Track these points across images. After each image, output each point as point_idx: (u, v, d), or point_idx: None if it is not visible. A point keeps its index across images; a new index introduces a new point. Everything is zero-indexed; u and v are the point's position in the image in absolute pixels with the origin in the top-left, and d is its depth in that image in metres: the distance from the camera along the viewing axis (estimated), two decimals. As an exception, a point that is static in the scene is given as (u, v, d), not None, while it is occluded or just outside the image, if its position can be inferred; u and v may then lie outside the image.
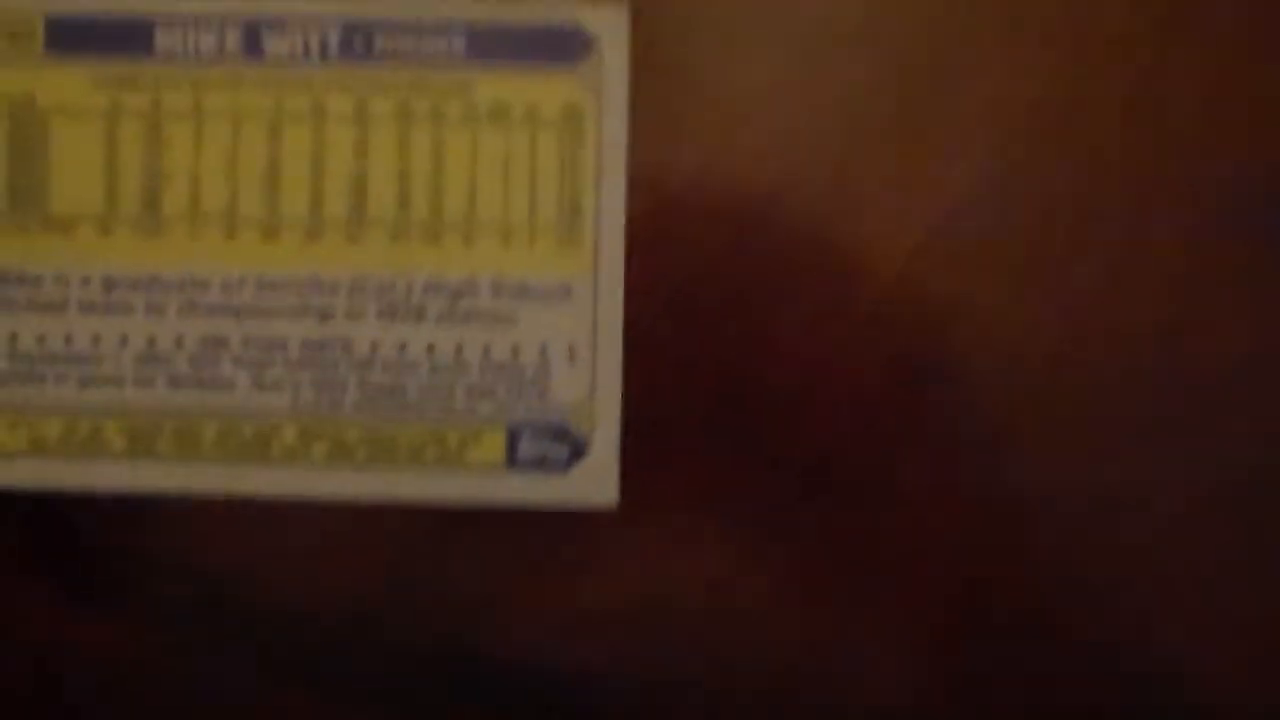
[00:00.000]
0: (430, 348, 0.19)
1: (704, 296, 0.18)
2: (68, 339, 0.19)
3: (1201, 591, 0.19)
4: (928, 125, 0.18)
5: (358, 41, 0.18)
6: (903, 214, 0.18)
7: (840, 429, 0.19)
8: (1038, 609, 0.19)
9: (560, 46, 0.18)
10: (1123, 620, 0.19)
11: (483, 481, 0.19)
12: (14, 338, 0.19)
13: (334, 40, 0.18)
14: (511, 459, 0.19)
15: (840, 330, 0.18)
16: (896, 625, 0.19)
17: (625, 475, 0.19)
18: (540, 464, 0.19)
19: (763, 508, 0.19)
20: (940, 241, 0.18)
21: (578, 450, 0.18)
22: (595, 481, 0.18)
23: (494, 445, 0.19)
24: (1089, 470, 0.19)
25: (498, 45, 0.18)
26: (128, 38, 0.19)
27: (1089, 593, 0.19)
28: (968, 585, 0.19)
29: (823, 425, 0.19)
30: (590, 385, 0.18)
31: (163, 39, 0.19)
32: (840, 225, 0.18)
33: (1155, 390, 0.18)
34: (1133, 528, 0.19)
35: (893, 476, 0.19)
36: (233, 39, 0.19)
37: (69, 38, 0.19)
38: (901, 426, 0.19)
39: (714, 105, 0.18)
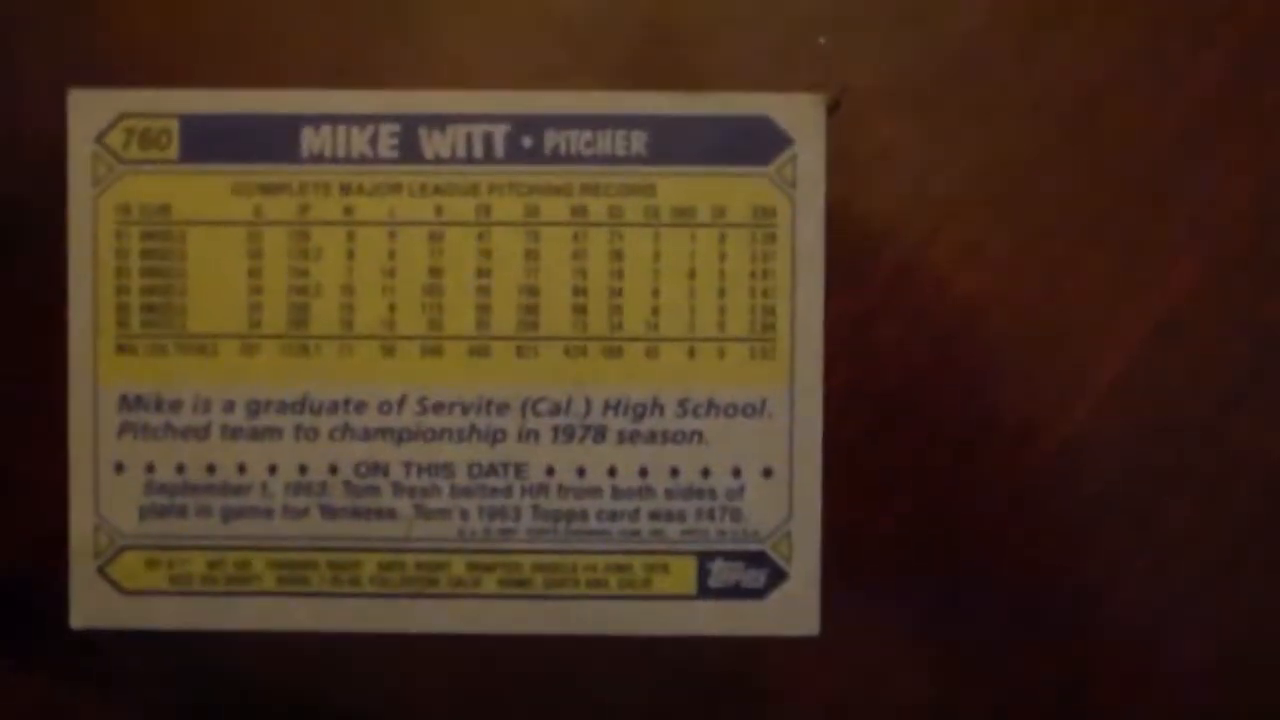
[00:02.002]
0: (612, 470, 0.17)
1: (906, 410, 0.17)
2: (210, 468, 0.17)
3: None
4: (1141, 230, 0.17)
5: (526, 140, 0.17)
6: (1117, 321, 0.17)
7: (1051, 553, 0.17)
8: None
9: (750, 142, 0.17)
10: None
11: (672, 611, 0.17)
12: (151, 467, 0.17)
13: (500, 139, 0.17)
14: (703, 587, 0.17)
15: (1052, 446, 0.17)
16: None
17: (824, 600, 0.17)
18: (735, 592, 0.17)
19: (968, 635, 0.17)
20: (1155, 350, 0.17)
21: (775, 577, 0.17)
22: (795, 609, 0.17)
23: (684, 573, 0.17)
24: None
25: (681, 142, 0.17)
26: (271, 140, 0.17)
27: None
28: (1188, 713, 0.18)
29: (1033, 548, 0.17)
30: (788, 507, 0.17)
31: (310, 140, 0.17)
32: (1051, 334, 0.17)
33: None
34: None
35: (1104, 603, 0.17)
36: (387, 139, 0.17)
37: (207, 142, 0.17)
38: (1122, 544, 0.17)
39: (916, 204, 0.17)
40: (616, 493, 0.17)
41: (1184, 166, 0.17)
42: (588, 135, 0.17)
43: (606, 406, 0.17)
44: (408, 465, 0.17)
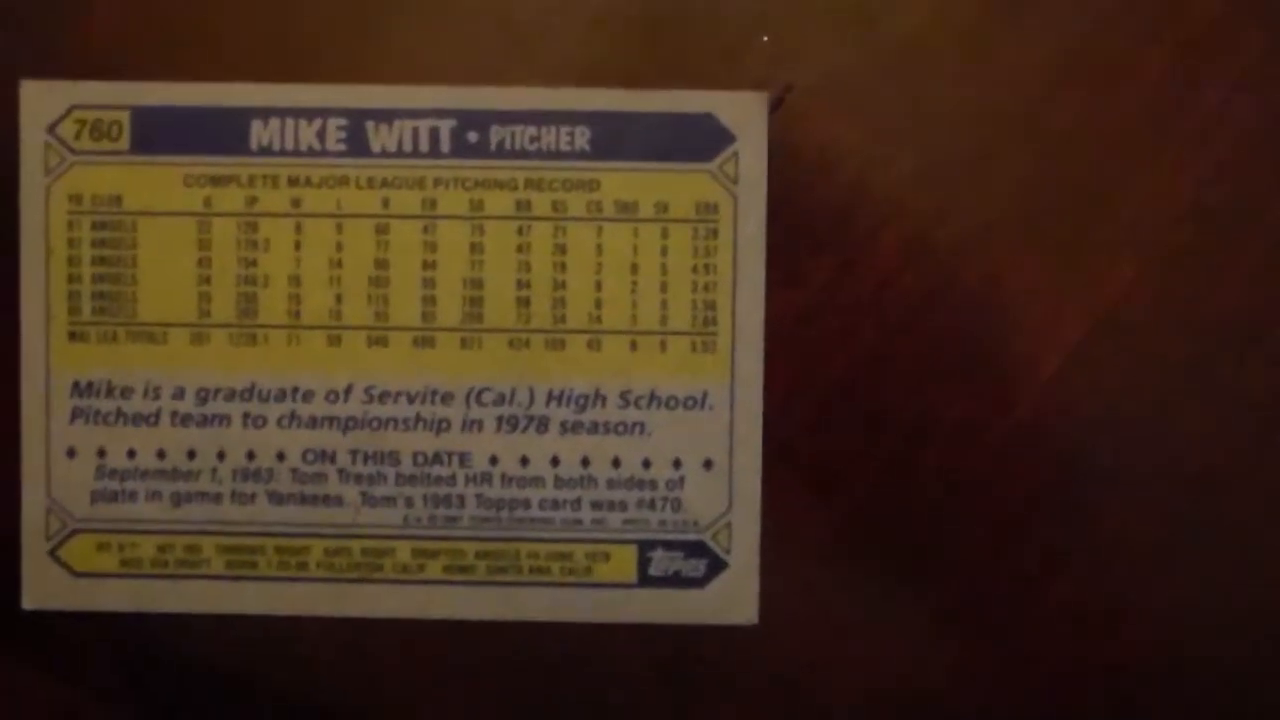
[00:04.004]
0: (554, 460, 0.17)
1: (845, 404, 0.17)
2: (160, 453, 0.17)
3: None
4: (1081, 229, 0.17)
5: (472, 135, 0.17)
6: (1054, 321, 0.17)
7: (989, 546, 0.18)
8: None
9: (693, 139, 0.17)
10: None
11: (613, 599, 0.18)
12: (103, 452, 0.17)
13: (446, 134, 0.17)
14: (643, 575, 0.18)
15: (989, 440, 0.17)
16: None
17: (763, 590, 0.17)
18: (675, 580, 0.17)
19: (906, 626, 0.18)
20: (1093, 348, 0.17)
21: (715, 566, 0.17)
22: (734, 598, 0.17)
23: (624, 562, 0.18)
24: (1248, 588, 0.18)
25: (625, 138, 0.17)
26: (221, 133, 0.17)
27: (1256, 705, 0.18)
28: (1126, 700, 0.18)
29: (972, 540, 0.18)
30: (728, 498, 0.17)
31: (259, 133, 0.17)
32: (991, 331, 0.17)
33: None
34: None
35: (1042, 594, 0.18)
36: (335, 133, 0.17)
37: (158, 134, 0.17)
38: (1059, 537, 0.18)
39: (858, 202, 0.17)
40: (559, 482, 0.17)
41: (1124, 166, 0.17)
42: (532, 131, 0.17)
43: (549, 397, 0.17)
44: (354, 453, 0.17)
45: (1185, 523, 0.18)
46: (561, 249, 0.17)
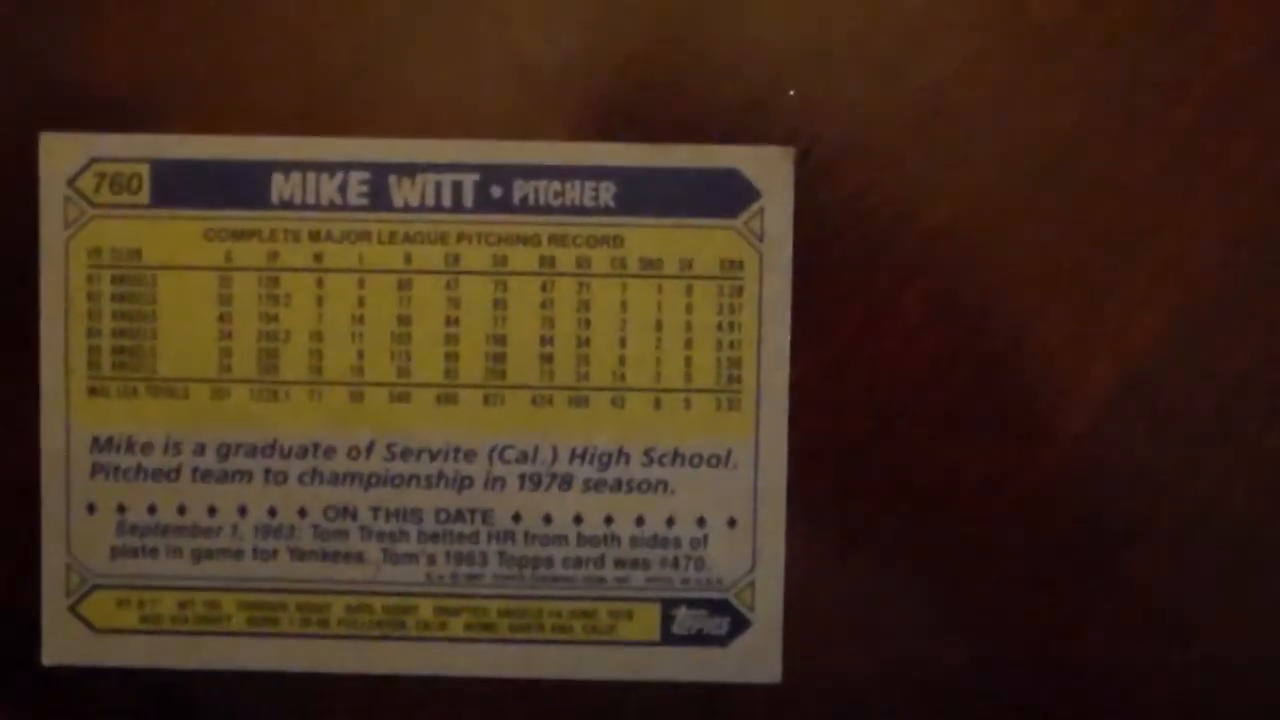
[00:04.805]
0: (578, 518, 0.17)
1: (870, 462, 0.17)
2: (181, 509, 0.17)
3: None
4: (1109, 282, 0.17)
5: (495, 189, 0.17)
6: (1083, 372, 0.17)
7: (1015, 603, 0.17)
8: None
9: (718, 195, 0.17)
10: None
11: (636, 657, 0.17)
12: (123, 508, 0.17)
13: (469, 188, 0.17)
14: (666, 634, 0.17)
15: (1018, 496, 0.17)
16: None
17: (786, 649, 0.17)
18: (698, 639, 0.17)
19: (929, 686, 0.18)
20: (1121, 402, 0.17)
21: (738, 625, 0.17)
22: (757, 657, 0.17)
23: (648, 620, 0.17)
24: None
25: (649, 193, 0.17)
26: (242, 186, 0.17)
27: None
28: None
29: (997, 598, 0.17)
30: (751, 557, 0.17)
31: (280, 187, 0.17)
32: (1015, 386, 0.17)
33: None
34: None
35: (1068, 651, 0.17)
36: (357, 187, 0.17)
37: (178, 187, 0.17)
38: (1085, 594, 0.17)
39: (883, 257, 0.17)
40: (582, 540, 0.17)
41: (1152, 217, 0.17)
42: (556, 185, 0.17)
43: (573, 455, 0.17)
44: (375, 510, 0.17)
45: (1215, 579, 0.18)
46: (585, 305, 0.17)
